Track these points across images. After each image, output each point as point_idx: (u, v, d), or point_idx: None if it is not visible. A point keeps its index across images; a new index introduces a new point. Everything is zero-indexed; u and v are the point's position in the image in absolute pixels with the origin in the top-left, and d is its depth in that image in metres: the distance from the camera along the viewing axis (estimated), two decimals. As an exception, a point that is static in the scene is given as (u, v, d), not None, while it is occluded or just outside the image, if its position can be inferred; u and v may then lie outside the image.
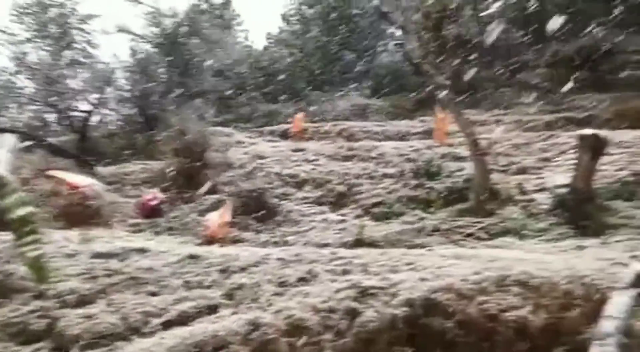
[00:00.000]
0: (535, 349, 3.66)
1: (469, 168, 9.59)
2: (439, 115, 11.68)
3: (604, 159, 8.44)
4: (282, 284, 5.03)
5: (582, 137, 7.46)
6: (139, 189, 11.00)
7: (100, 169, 12.27)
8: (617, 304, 3.63)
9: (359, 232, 7.86)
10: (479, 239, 7.82)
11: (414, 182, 10.01)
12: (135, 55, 18.30)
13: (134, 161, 12.99)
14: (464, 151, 10.12)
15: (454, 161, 10.51)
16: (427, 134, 12.93)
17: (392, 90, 18.11)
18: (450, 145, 11.19)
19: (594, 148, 7.39)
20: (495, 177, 9.29)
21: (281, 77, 18.78)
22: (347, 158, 11.02)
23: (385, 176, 10.26)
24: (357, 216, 9.07)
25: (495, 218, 8.37)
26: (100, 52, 17.73)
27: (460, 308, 3.90)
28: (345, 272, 5.07)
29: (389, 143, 12.04)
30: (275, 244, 7.89)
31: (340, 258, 5.47)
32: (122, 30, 17.81)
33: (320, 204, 9.55)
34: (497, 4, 18.66)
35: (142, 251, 5.94)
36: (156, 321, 4.41)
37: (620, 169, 8.46)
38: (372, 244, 7.57)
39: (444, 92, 9.44)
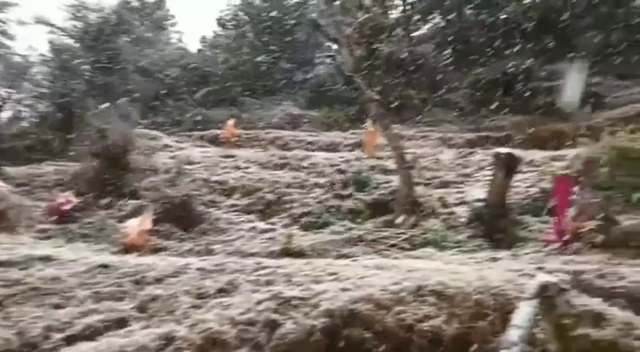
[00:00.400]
0: (448, 358, 3.78)
1: (395, 181, 9.87)
2: (369, 129, 11.97)
3: (517, 176, 9.05)
4: (200, 296, 4.82)
5: (498, 156, 7.94)
6: (50, 192, 10.17)
7: (9, 170, 11.22)
8: (523, 313, 3.85)
9: (287, 242, 7.78)
10: (402, 249, 8.03)
11: (343, 192, 10.13)
12: (55, 49, 17.07)
13: (47, 162, 12.03)
14: (391, 164, 10.42)
15: (382, 174, 10.78)
16: (358, 146, 13.20)
17: (327, 102, 18.35)
18: (380, 158, 11.49)
19: (508, 166, 7.88)
20: (420, 190, 9.64)
21: (214, 81, 18.38)
22: (278, 167, 10.94)
23: (315, 185, 10.31)
24: (286, 225, 9.00)
25: (418, 229, 8.65)
26: (17, 44, 16.34)
27: (378, 318, 3.94)
28: (268, 282, 4.97)
29: (321, 153, 12.13)
30: (199, 253, 7.60)
31: (264, 268, 5.37)
32: (40, 21, 16.55)
33: (249, 213, 9.38)
34: (427, 27, 19.70)
35: (47, 259, 5.47)
36: (58, 336, 4.05)
37: (531, 186, 9.10)
38: (299, 253, 7.52)
39: (374, 107, 9.70)
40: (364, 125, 12.89)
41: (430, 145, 13.53)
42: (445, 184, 10.34)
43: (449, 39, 18.47)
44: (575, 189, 6.63)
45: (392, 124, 13.32)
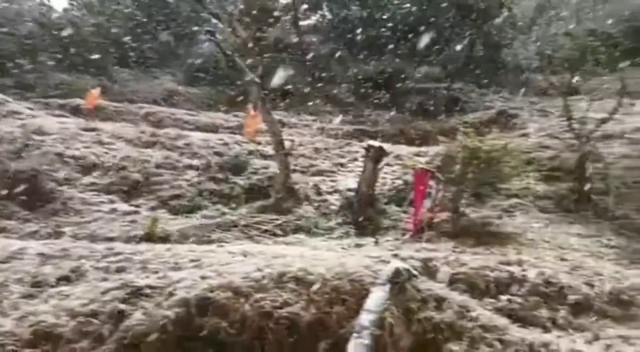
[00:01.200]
0: (303, 344, 3.82)
1: (273, 166, 9.82)
2: (250, 112, 11.73)
3: (385, 168, 9.61)
4: (36, 285, 4.23)
5: (369, 148, 8.31)
6: None
7: None
8: (375, 298, 4.06)
9: (151, 226, 7.25)
10: (275, 235, 8.02)
11: (218, 176, 9.79)
12: None
13: None
14: (270, 150, 10.34)
15: (260, 159, 10.66)
16: (239, 129, 12.88)
17: (210, 80, 17.58)
18: (259, 143, 11.34)
19: (378, 158, 8.30)
20: (296, 177, 9.72)
21: (81, 46, 16.40)
22: (148, 144, 10.15)
23: (189, 167, 9.79)
24: (152, 208, 8.40)
25: (291, 215, 8.71)
26: None
27: (236, 307, 3.83)
28: (119, 270, 4.54)
29: (198, 134, 11.55)
30: (44, 236, 6.72)
31: (117, 254, 4.90)
32: None
33: (110, 193, 8.54)
34: (315, 17, 19.93)
35: None
36: None
37: (397, 179, 9.74)
38: (164, 238, 7.06)
39: (255, 90, 9.49)
40: (247, 109, 12.59)
41: (310, 134, 13.76)
42: (320, 173, 10.57)
43: (335, 32, 18.92)
44: (432, 183, 7.23)
45: (275, 111, 13.33)
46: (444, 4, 17.40)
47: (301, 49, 18.36)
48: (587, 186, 7.51)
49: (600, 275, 5.18)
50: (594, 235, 6.54)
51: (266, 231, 8.15)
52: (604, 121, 8.43)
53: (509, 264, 5.24)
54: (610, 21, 16.15)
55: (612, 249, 6.14)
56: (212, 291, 3.92)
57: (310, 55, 18.15)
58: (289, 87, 16.53)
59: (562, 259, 5.54)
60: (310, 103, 17.01)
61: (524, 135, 10.57)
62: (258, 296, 3.93)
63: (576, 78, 11.06)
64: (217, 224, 8.15)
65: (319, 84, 17.96)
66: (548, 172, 8.35)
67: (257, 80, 9.48)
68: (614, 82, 11.92)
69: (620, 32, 13.82)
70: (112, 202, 8.34)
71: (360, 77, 18.09)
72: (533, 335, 4.21)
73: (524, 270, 5.16)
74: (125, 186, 8.80)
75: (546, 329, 4.50)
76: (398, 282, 4.39)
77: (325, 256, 5.02)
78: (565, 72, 12.90)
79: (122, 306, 3.83)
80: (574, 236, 6.51)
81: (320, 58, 18.67)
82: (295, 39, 18.05)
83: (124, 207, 8.24)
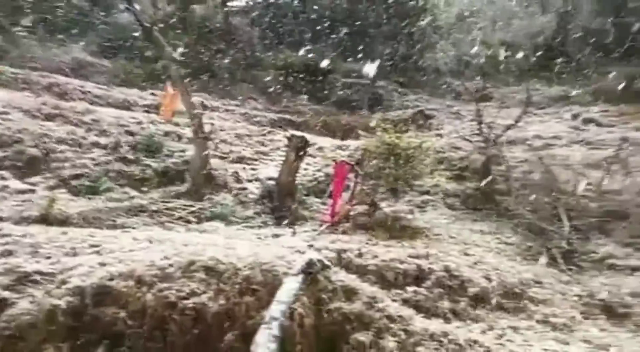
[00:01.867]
0: (209, 335, 3.67)
1: (191, 150, 9.40)
2: (168, 91, 11.11)
3: (307, 159, 9.60)
4: None
5: (291, 138, 8.24)
6: None
7: None
8: (286, 289, 4.01)
9: (48, 207, 6.59)
10: (188, 222, 7.69)
11: (129, 156, 9.15)
12: None
13: None
14: (189, 132, 9.88)
15: (177, 141, 10.16)
16: (155, 108, 12.16)
17: (126, 53, 16.38)
18: (176, 124, 10.79)
19: (300, 149, 8.25)
20: (214, 162, 9.39)
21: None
22: (50, 117, 9.21)
23: (95, 145, 9.04)
24: (51, 188, 7.64)
25: (207, 202, 8.40)
26: None
27: (137, 296, 3.59)
28: (5, 253, 4.06)
29: (108, 110, 10.70)
30: None
31: (4, 236, 4.39)
32: None
33: (2, 168, 7.64)
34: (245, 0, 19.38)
35: None
36: None
37: (318, 170, 9.78)
38: (62, 221, 6.46)
39: (175, 69, 8.98)
40: (165, 87, 11.90)
41: (233, 119, 13.38)
42: (241, 160, 10.31)
43: (265, 17, 18.55)
44: (352, 176, 7.33)
45: (196, 92, 12.77)
46: (373, 2, 17.76)
47: (228, 31, 17.78)
48: (484, 182, 8.02)
49: (497, 269, 5.57)
50: (495, 232, 7.04)
51: (179, 217, 7.78)
52: (509, 127, 9.09)
53: (417, 257, 5.46)
54: (521, 35, 17.49)
55: (509, 246, 6.65)
56: (111, 279, 3.63)
57: (237, 38, 17.64)
58: (213, 68, 15.95)
59: (466, 254, 5.89)
60: (235, 87, 16.56)
61: (438, 135, 11.12)
62: (162, 285, 3.71)
63: (488, 85, 11.85)
64: (123, 208, 7.63)
65: (245, 69, 17.54)
66: (458, 171, 8.86)
67: (177, 57, 8.98)
68: (521, 92, 12.96)
69: (529, 47, 15.05)
70: (3, 178, 7.47)
71: (287, 65, 17.92)
72: (435, 325, 4.41)
73: (430, 263, 5.41)
74: (20, 162, 7.92)
75: (447, 320, 4.75)
76: (311, 273, 4.37)
77: (240, 245, 4.88)
78: (479, 79, 13.79)
79: (5, 294, 3.42)
80: (476, 233, 6.95)
81: (248, 42, 18.22)
82: (222, 20, 17.42)
83: (17, 184, 7.41)
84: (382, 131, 7.14)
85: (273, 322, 3.64)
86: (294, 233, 6.88)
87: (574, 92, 17.97)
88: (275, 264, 4.38)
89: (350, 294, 4.43)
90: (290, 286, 4.08)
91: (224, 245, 4.71)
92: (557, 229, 7.01)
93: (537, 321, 4.95)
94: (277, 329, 3.59)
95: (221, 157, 10.05)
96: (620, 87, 16.92)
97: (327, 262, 4.65)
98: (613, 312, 5.10)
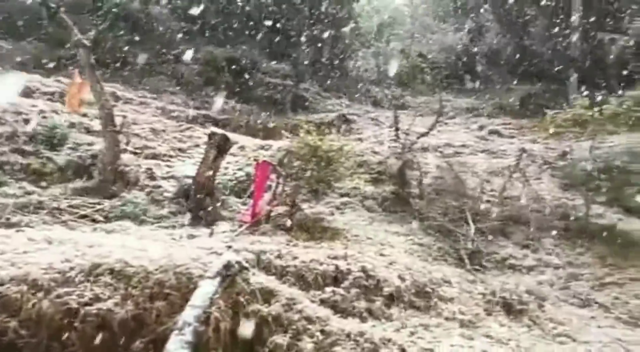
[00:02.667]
0: (115, 344, 3.40)
1: (99, 144, 8.73)
2: (76, 79, 10.22)
3: (228, 158, 9.35)
4: None
5: (212, 135, 7.96)
6: None
7: None
8: (202, 292, 3.85)
9: None
10: (94, 221, 7.13)
11: (27, 148, 8.30)
12: None
13: None
14: (98, 125, 9.18)
15: (84, 134, 9.39)
16: (60, 96, 11.15)
17: (30, 36, 14.87)
18: (84, 115, 9.97)
19: (221, 147, 8.00)
20: (126, 158, 8.81)
21: None
22: None
23: (-13, 134, 8.09)
24: None
25: (117, 200, 7.85)
26: None
27: (31, 303, 3.23)
28: None
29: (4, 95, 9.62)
30: None
31: None
32: None
33: None
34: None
35: None
36: None
37: (239, 169, 9.55)
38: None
39: (84, 55, 8.30)
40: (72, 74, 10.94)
41: (149, 113, 12.68)
42: (156, 156, 9.78)
43: (186, 8, 17.84)
44: (273, 176, 7.26)
45: (108, 82, 11.92)
46: (299, 4, 17.83)
47: (146, 19, 16.86)
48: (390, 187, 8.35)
49: (410, 269, 5.80)
50: (408, 234, 7.34)
51: (84, 216, 7.19)
52: (423, 135, 9.56)
53: (336, 258, 5.52)
54: (436, 49, 18.57)
55: (421, 246, 6.97)
56: (1, 284, 3.23)
57: (157, 28, 16.79)
58: (128, 58, 15.03)
59: (381, 255, 6.06)
60: (152, 79, 15.72)
61: (358, 139, 11.41)
62: (62, 290, 3.38)
63: (405, 94, 12.40)
64: (18, 205, 6.89)
65: (164, 61, 16.74)
66: (376, 175, 9.14)
67: (86, 43, 8.30)
68: (434, 102, 13.73)
69: (442, 61, 16.02)
70: None
71: (210, 60, 17.39)
72: (351, 325, 4.49)
73: (348, 264, 5.49)
74: None
75: (363, 319, 4.85)
76: (229, 275, 4.24)
77: (152, 246, 4.60)
78: (397, 87, 14.41)
79: None
80: (392, 234, 7.20)
81: (167, 33, 17.41)
82: (139, 7, 16.48)
83: None
84: (305, 133, 7.16)
85: (186, 328, 3.46)
86: (211, 234, 6.64)
87: (480, 105, 19.46)
88: (190, 267, 4.19)
89: (268, 296, 4.36)
90: (206, 290, 3.92)
91: (134, 246, 4.41)
92: (464, 232, 7.47)
93: (446, 318, 5.22)
94: (191, 334, 3.43)
95: (134, 153, 9.45)
96: (519, 102, 18.58)
97: (245, 264, 4.55)
98: (512, 309, 5.53)
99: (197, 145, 10.80)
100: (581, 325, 5.45)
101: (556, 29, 20.92)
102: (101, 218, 7.31)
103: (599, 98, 10.64)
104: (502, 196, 8.79)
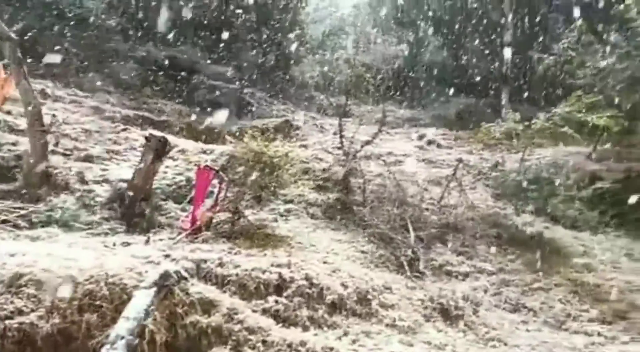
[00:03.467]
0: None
1: (25, 144, 8.10)
2: (0, 74, 9.44)
3: (167, 162, 8.99)
4: None
5: (150, 137, 7.63)
6: None
7: None
8: (137, 304, 3.62)
9: None
10: (17, 227, 6.59)
11: (-60, 147, 7.54)
12: None
13: None
14: (23, 123, 8.51)
15: (8, 133, 8.68)
16: (-18, 92, 10.24)
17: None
18: (8, 112, 9.23)
19: (159, 150, 7.68)
20: (55, 159, 8.23)
21: None
22: None
23: None
24: None
25: (43, 205, 7.31)
26: None
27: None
28: None
29: None
30: None
31: None
32: None
33: None
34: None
35: None
36: None
37: (179, 174, 9.20)
38: None
39: (10, 48, 7.68)
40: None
41: (81, 112, 11.95)
42: (88, 158, 9.21)
43: (128, 8, 17.11)
44: (216, 182, 7.05)
45: (36, 79, 11.11)
46: (246, 8, 17.64)
47: (80, 14, 15.96)
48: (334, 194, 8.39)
49: (353, 277, 5.84)
50: (351, 241, 7.40)
51: (5, 221, 6.61)
52: (367, 143, 9.73)
53: (279, 266, 5.44)
54: (379, 60, 18.98)
55: (363, 254, 7.04)
56: None
57: (92, 23, 15.94)
58: (59, 53, 14.13)
59: (325, 262, 6.06)
60: (85, 77, 14.87)
61: (303, 146, 11.40)
62: (-24, 304, 3.05)
63: (349, 102, 12.58)
64: None
65: (99, 58, 15.90)
66: (320, 182, 9.16)
67: (12, 36, 7.70)
68: (377, 111, 14.03)
69: (386, 72, 16.41)
70: None
71: (149, 60, 16.74)
72: (293, 334, 4.43)
73: (292, 272, 5.43)
74: None
75: (305, 328, 4.80)
76: (166, 285, 4.05)
77: (81, 255, 4.30)
78: (342, 96, 14.58)
79: None
80: (335, 241, 7.23)
81: (103, 29, 16.57)
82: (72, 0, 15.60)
83: None
84: (251, 138, 7.03)
85: (119, 341, 3.26)
86: (147, 241, 6.33)
87: (419, 116, 20.17)
88: (124, 277, 3.96)
89: (208, 306, 4.21)
90: (141, 301, 3.71)
91: (62, 255, 4.09)
92: (404, 239, 7.65)
93: (386, 325, 5.29)
94: (124, 348, 3.22)
95: (64, 154, 8.86)
96: (455, 114, 19.46)
97: (184, 274, 4.36)
98: (448, 315, 5.71)
99: (134, 148, 10.30)
100: (512, 329, 5.72)
101: (490, 46, 22.22)
102: (24, 224, 6.77)
103: (529, 113, 11.36)
104: (441, 204, 9.11)
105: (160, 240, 6.52)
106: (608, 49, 11.69)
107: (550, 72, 14.89)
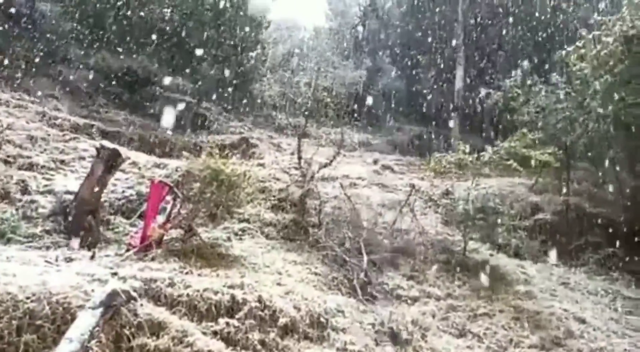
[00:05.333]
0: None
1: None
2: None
3: (118, 174, 8.68)
4: None
5: (101, 149, 7.35)
6: None
7: None
8: (80, 325, 3.44)
9: None
10: (-53, 239, 6.11)
11: None
12: None
13: None
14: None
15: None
16: None
17: None
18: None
19: (110, 162, 7.41)
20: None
21: None
22: None
23: None
24: None
25: (-22, 216, 6.83)
26: None
27: None
28: None
29: None
30: None
31: None
32: None
33: None
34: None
35: None
36: None
37: (129, 188, 8.89)
38: None
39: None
40: None
41: (27, 118, 11.36)
42: (32, 167, 8.73)
43: (84, 14, 16.55)
44: (169, 197, 6.87)
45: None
46: (207, 23, 17.54)
47: (33, 18, 15.33)
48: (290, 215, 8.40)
49: (306, 299, 5.81)
50: (305, 263, 7.38)
51: None
52: (325, 165, 9.84)
53: (232, 287, 5.33)
54: (338, 84, 19.44)
55: (317, 276, 7.04)
56: None
57: (43, 25, 15.32)
58: (6, 54, 13.47)
59: (279, 284, 6.01)
60: (33, 82, 14.18)
61: (261, 165, 11.35)
62: None
63: (308, 124, 12.75)
64: None
65: (49, 63, 15.24)
66: (276, 202, 9.14)
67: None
68: (335, 134, 14.28)
69: (344, 95, 16.82)
70: None
71: (103, 67, 16.23)
72: (244, 358, 4.34)
73: (244, 293, 5.34)
74: None
75: (256, 352, 4.71)
76: (113, 305, 3.88)
77: (22, 270, 4.04)
78: (301, 116, 14.75)
79: None
80: (290, 263, 7.19)
81: (56, 34, 15.97)
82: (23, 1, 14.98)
83: None
84: (208, 155, 6.93)
85: (60, 366, 3.07)
86: (92, 257, 6.04)
87: (375, 141, 20.68)
88: (68, 295, 3.77)
89: (157, 328, 4.07)
90: (85, 322, 3.53)
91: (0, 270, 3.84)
92: (357, 262, 7.73)
93: (337, 349, 5.29)
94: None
95: (5, 162, 8.36)
96: (409, 141, 20.11)
97: (133, 293, 4.20)
98: (398, 339, 5.79)
99: (83, 158, 9.89)
100: (458, 354, 5.88)
101: (443, 79, 23.30)
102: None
103: (478, 144, 11.94)
104: (393, 228, 9.31)
105: (107, 256, 6.24)
106: (550, 89, 12.58)
107: (497, 108, 15.77)
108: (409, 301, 7.19)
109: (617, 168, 11.12)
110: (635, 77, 9.57)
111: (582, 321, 7.17)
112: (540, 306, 7.36)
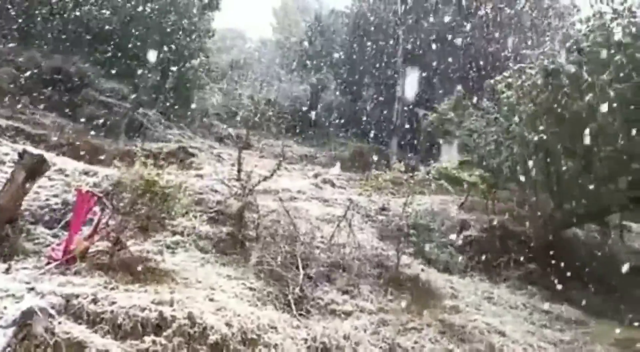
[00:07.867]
0: None
1: None
2: None
3: (43, 182, 8.13)
4: None
5: (23, 154, 6.87)
6: None
7: None
8: (-11, 347, 3.19)
9: None
10: None
11: None
12: None
13: None
14: None
15: None
16: None
17: None
18: None
19: (33, 169, 6.94)
20: None
21: None
22: None
23: None
24: None
25: None
26: None
27: None
28: None
29: None
30: None
31: None
32: None
33: None
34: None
35: None
36: None
37: (54, 196, 8.35)
38: None
39: None
40: None
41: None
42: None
43: (8, 11, 15.51)
44: (97, 208, 6.54)
45: None
46: (148, 26, 17.06)
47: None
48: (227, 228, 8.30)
49: (239, 315, 5.72)
50: (240, 278, 7.26)
51: None
52: (266, 178, 9.79)
53: (161, 303, 5.15)
54: (282, 97, 19.54)
55: (251, 291, 6.94)
56: None
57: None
58: None
59: (211, 300, 5.86)
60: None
61: (198, 175, 11.09)
62: None
63: (250, 135, 12.67)
64: None
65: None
66: (213, 214, 8.95)
67: None
68: (277, 146, 14.29)
69: (288, 108, 16.94)
70: None
71: (31, 66, 15.25)
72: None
73: (174, 310, 5.17)
74: None
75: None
76: (28, 324, 3.62)
77: None
78: (243, 128, 14.63)
79: None
80: (224, 277, 7.04)
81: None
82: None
83: None
84: (141, 165, 6.67)
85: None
86: (7, 270, 5.61)
87: (316, 154, 20.91)
88: (-25, 314, 3.46)
89: (76, 348, 3.86)
90: (-6, 342, 3.27)
91: None
92: (294, 276, 7.72)
93: (268, 366, 5.24)
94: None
95: None
96: (349, 156, 20.52)
97: (50, 311, 3.95)
98: (330, 354, 5.84)
99: (3, 163, 9.17)
100: (388, 368, 6.01)
101: (384, 97, 24.12)
102: None
103: (415, 162, 12.44)
104: (331, 243, 9.41)
105: (24, 269, 5.81)
106: (481, 114, 13.41)
107: (432, 128, 16.55)
108: (342, 315, 7.26)
109: (537, 189, 11.98)
110: (554, 107, 10.42)
111: (503, 334, 7.59)
112: (465, 320, 7.71)
